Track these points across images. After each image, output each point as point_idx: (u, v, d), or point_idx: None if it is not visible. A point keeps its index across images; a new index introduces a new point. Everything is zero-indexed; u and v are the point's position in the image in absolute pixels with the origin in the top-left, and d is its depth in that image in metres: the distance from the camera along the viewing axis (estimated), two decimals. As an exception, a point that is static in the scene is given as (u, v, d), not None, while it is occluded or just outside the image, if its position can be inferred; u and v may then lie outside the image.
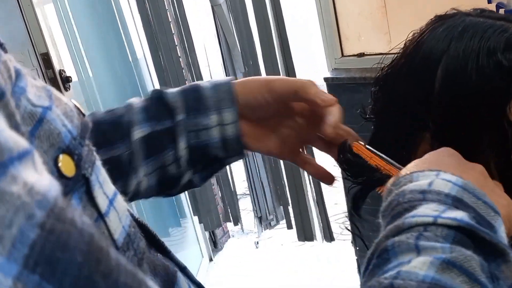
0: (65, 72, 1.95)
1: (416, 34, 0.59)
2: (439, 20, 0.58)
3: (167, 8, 2.44)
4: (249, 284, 2.81)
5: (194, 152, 0.62)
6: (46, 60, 1.85)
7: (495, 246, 0.40)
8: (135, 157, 0.60)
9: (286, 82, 0.61)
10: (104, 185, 0.38)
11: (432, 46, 0.55)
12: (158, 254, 0.47)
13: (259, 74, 2.49)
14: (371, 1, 2.02)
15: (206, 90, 0.62)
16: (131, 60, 2.48)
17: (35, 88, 0.34)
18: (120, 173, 0.60)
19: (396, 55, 0.61)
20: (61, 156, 0.33)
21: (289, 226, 2.72)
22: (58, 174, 0.33)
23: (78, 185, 0.34)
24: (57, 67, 1.90)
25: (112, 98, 2.36)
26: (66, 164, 0.33)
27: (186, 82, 2.58)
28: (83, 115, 0.40)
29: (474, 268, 0.38)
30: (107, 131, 0.60)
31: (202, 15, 2.54)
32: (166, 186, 0.65)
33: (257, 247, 3.11)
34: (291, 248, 2.98)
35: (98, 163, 0.39)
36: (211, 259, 3.05)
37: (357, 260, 2.35)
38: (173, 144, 0.61)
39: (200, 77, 2.61)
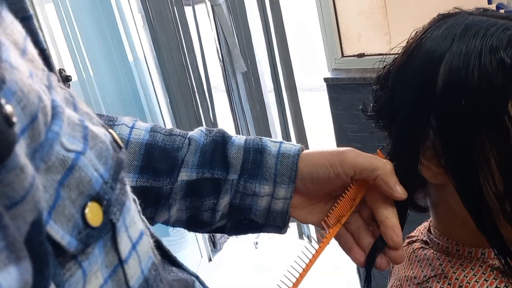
0: (65, 71, 1.94)
1: (418, 32, 0.59)
2: (442, 18, 0.58)
3: (168, 8, 2.44)
4: (248, 284, 2.81)
5: (234, 211, 0.61)
6: (46, 60, 1.85)
7: None
8: (174, 195, 0.59)
9: (363, 156, 0.58)
10: (130, 228, 0.36)
11: (435, 43, 0.55)
12: (173, 267, 0.46)
13: (258, 74, 2.50)
14: (371, 1, 2.02)
15: (270, 157, 0.59)
16: (131, 60, 2.48)
17: (70, 127, 0.32)
18: (154, 203, 0.59)
19: (397, 55, 0.61)
20: (89, 204, 0.31)
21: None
22: (84, 224, 0.31)
23: (103, 232, 0.33)
24: (57, 66, 1.90)
25: (112, 97, 2.36)
26: (94, 213, 0.32)
27: (188, 82, 2.58)
28: (120, 147, 0.38)
29: None
30: (157, 160, 0.59)
31: (203, 15, 2.54)
32: (196, 225, 0.63)
33: (256, 247, 3.11)
34: (290, 249, 2.98)
35: (129, 201, 0.37)
36: (210, 259, 3.05)
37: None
38: (216, 196, 0.60)
39: (199, 78, 2.61)
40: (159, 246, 0.45)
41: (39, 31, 0.40)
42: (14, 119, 0.25)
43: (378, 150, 0.61)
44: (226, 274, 2.92)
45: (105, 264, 0.33)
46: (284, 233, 0.63)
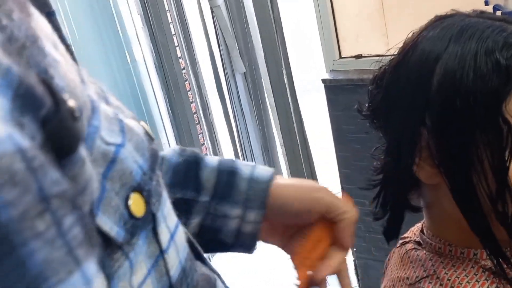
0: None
1: (415, 33, 0.59)
2: (439, 20, 0.59)
3: (167, 9, 2.44)
4: (246, 284, 2.81)
5: (204, 231, 0.61)
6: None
7: None
8: None
9: (336, 198, 0.61)
10: (167, 219, 0.37)
11: (431, 44, 0.56)
12: (197, 261, 0.46)
13: (258, 75, 2.50)
14: (369, 2, 2.03)
15: (242, 181, 0.59)
16: (129, 62, 2.48)
17: (108, 121, 0.33)
18: None
19: (394, 56, 0.62)
20: (132, 195, 0.32)
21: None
22: (129, 215, 0.32)
23: (146, 223, 0.34)
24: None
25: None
26: (137, 203, 0.32)
27: (186, 83, 2.58)
28: (152, 139, 0.38)
29: None
30: None
31: (201, 16, 2.54)
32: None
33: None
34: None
35: (165, 193, 0.37)
36: (208, 260, 3.04)
37: (354, 261, 2.35)
38: (187, 216, 0.60)
39: (199, 79, 2.62)
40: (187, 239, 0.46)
41: (62, 26, 0.41)
42: (77, 114, 0.26)
43: (343, 192, 0.64)
44: (224, 275, 2.91)
45: (148, 254, 0.34)
46: (251, 253, 0.64)
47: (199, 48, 2.62)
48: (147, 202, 0.33)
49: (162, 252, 0.35)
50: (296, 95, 2.38)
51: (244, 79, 2.55)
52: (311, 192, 0.60)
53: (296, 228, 0.63)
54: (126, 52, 2.46)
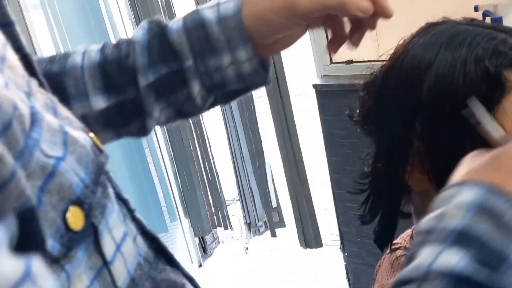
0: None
1: (406, 40, 0.60)
2: (430, 27, 0.59)
3: (158, 12, 2.45)
4: (244, 285, 2.81)
5: (211, 90, 0.59)
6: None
7: None
8: (146, 101, 0.58)
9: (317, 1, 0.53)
10: (113, 230, 0.36)
11: (422, 51, 0.56)
12: (167, 266, 0.45)
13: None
14: (360, 8, 2.03)
15: (213, 27, 0.56)
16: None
17: (50, 133, 0.32)
18: (136, 113, 0.59)
19: (385, 62, 0.62)
20: (70, 208, 0.32)
21: (273, 234, 2.73)
22: (66, 229, 0.32)
23: (85, 236, 0.33)
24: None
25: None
26: (75, 216, 0.32)
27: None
28: (101, 151, 0.38)
29: None
30: (113, 75, 0.57)
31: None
32: (187, 115, 0.62)
33: (246, 253, 3.10)
34: (281, 254, 2.98)
35: (111, 204, 0.37)
36: (200, 265, 3.04)
37: (345, 266, 2.36)
38: (185, 85, 0.58)
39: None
40: (156, 244, 0.45)
41: (21, 36, 0.40)
42: None
43: None
44: (216, 280, 2.91)
45: (89, 266, 0.34)
46: (269, 83, 0.60)
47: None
48: (87, 215, 0.33)
49: (106, 264, 0.35)
50: (289, 99, 2.38)
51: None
52: (282, 3, 0.54)
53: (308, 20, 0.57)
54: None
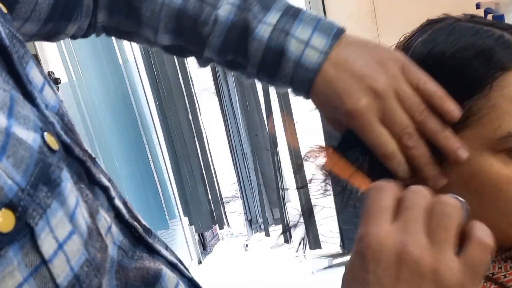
0: (53, 73, 1.94)
1: (406, 37, 0.60)
2: (430, 24, 0.59)
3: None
4: (238, 286, 2.81)
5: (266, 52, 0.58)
6: (35, 61, 1.84)
7: None
8: (207, 56, 0.63)
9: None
10: (56, 229, 0.37)
11: (420, 47, 0.56)
12: (144, 254, 0.47)
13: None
14: (361, 5, 2.03)
15: (288, 63, 0.56)
16: (121, 62, 2.47)
17: None
18: (193, 54, 0.65)
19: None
20: (2, 210, 0.33)
21: (267, 234, 2.74)
22: None
23: (18, 237, 0.34)
24: (45, 68, 1.89)
25: (101, 100, 2.35)
26: (5, 219, 0.33)
27: (177, 84, 2.58)
28: (53, 151, 0.38)
29: None
30: (186, 30, 0.62)
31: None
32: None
33: (246, 250, 3.11)
34: (280, 251, 2.99)
35: (57, 203, 0.37)
36: (200, 262, 3.04)
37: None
38: (242, 72, 0.62)
39: (192, 80, 2.61)
40: (136, 232, 0.47)
41: (3, 28, 0.40)
42: None
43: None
44: (216, 277, 2.92)
45: (25, 264, 0.34)
46: (306, 96, 0.59)
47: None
48: (20, 218, 0.34)
49: (45, 262, 0.36)
50: (288, 96, 2.38)
51: (236, 80, 2.55)
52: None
53: None
54: (117, 52, 2.45)
